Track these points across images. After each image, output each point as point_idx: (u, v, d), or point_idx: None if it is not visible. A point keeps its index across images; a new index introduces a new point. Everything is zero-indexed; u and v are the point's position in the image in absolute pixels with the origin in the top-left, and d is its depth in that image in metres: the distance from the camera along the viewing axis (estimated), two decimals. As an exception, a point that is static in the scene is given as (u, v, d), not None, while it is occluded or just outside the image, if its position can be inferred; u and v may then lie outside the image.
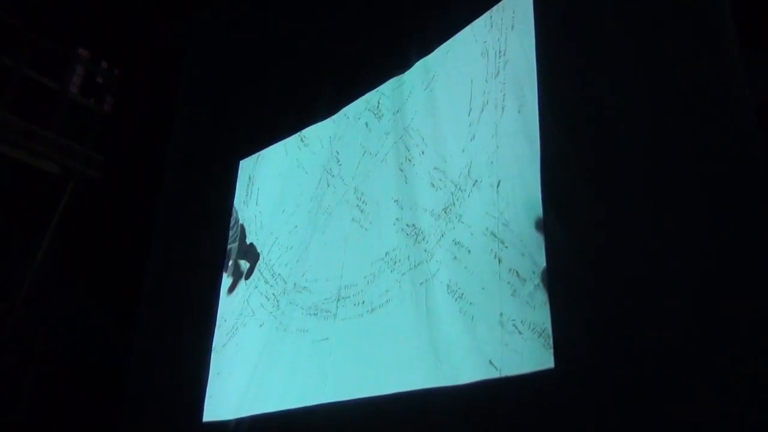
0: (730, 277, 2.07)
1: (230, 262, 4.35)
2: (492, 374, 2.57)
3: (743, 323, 2.01)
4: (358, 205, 3.55)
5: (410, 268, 3.13)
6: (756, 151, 2.11)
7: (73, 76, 5.91)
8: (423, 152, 3.31)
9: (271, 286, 3.94)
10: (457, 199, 3.02)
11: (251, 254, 4.22)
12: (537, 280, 2.54)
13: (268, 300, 3.91)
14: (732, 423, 1.96)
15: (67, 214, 5.57)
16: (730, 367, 2.00)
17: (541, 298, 2.50)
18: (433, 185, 3.17)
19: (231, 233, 4.44)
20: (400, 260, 3.20)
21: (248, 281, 4.13)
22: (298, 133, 4.21)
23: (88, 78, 6.12)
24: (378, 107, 3.70)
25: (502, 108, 2.97)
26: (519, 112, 2.87)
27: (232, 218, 4.49)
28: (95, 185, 5.80)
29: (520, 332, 2.53)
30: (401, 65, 3.63)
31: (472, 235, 2.89)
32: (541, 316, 2.48)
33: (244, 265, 4.25)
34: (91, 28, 6.02)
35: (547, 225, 2.58)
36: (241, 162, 4.64)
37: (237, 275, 4.27)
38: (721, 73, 2.28)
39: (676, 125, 2.35)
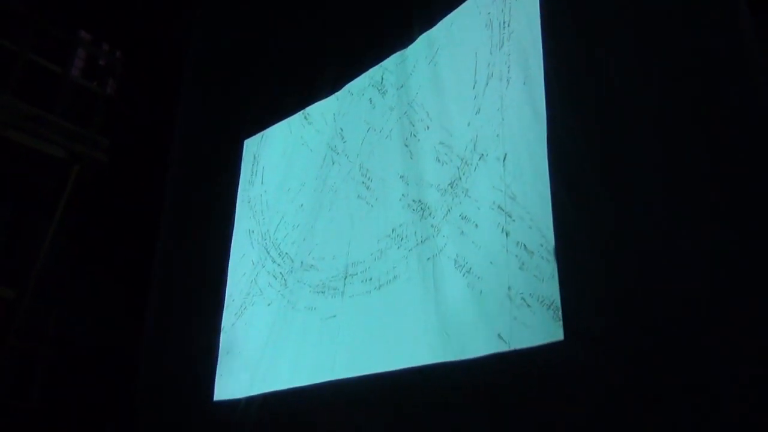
0: (741, 253, 2.05)
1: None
2: (501, 347, 2.57)
3: (753, 300, 1.99)
4: (363, 182, 3.53)
5: (417, 244, 3.12)
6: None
7: (74, 59, 5.87)
8: (428, 127, 3.28)
9: (279, 265, 3.93)
10: (464, 174, 2.99)
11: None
12: (545, 253, 2.52)
13: (276, 279, 3.91)
14: (741, 398, 1.95)
15: (74, 198, 5.56)
16: (738, 342, 1.99)
17: (550, 270, 2.49)
18: (439, 160, 3.14)
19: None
20: (406, 236, 3.18)
21: (255, 261, 4.13)
22: (302, 111, 4.18)
23: (90, 61, 6.08)
24: (382, 83, 3.66)
25: (508, 80, 2.93)
26: (524, 83, 2.84)
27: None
28: (101, 168, 5.78)
29: (528, 305, 2.52)
30: (404, 40, 3.58)
31: (479, 209, 2.87)
32: (550, 288, 2.47)
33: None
34: (92, 10, 5.98)
35: (554, 197, 2.55)
36: (245, 141, 4.62)
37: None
38: (732, 42, 2.24)
39: (685, 96, 2.31)
